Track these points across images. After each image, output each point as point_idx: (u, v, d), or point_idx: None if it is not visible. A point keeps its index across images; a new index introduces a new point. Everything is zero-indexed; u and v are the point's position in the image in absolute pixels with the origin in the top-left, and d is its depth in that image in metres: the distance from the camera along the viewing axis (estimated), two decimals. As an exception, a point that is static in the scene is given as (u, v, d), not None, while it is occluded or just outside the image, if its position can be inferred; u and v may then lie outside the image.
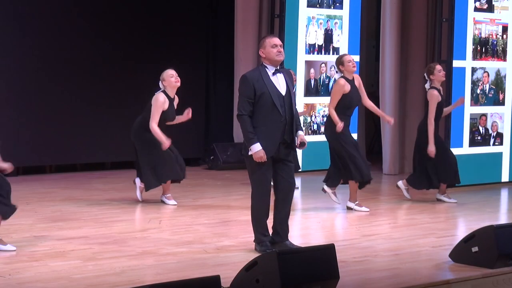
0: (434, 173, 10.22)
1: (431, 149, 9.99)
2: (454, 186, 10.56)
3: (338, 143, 9.46)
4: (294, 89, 7.45)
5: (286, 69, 7.62)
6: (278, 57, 7.26)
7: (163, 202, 9.73)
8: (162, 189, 9.74)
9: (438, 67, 10.19)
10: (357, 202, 9.66)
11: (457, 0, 11.32)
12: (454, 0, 11.29)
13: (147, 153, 9.55)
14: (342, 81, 9.45)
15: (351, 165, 9.44)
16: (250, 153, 7.15)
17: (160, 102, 9.45)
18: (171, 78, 9.56)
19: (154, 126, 9.38)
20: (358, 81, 9.62)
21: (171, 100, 9.56)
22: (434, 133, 10.10)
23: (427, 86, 10.24)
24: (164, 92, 9.55)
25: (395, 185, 10.56)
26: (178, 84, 9.61)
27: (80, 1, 12.22)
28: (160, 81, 9.62)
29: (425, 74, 10.26)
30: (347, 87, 9.43)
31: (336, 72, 9.78)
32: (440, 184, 10.32)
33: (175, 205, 9.65)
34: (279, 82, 7.27)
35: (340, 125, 9.30)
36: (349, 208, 9.62)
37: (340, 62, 9.54)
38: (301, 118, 12.04)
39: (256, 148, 7.13)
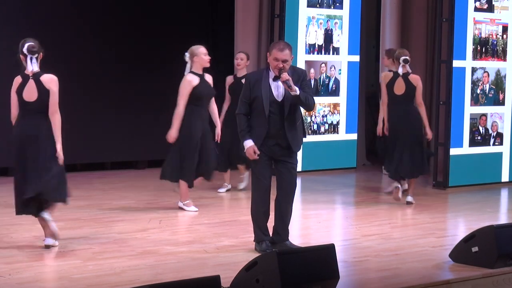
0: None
1: None
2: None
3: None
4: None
5: (300, 68, 7.54)
6: (275, 72, 7.19)
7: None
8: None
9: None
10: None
11: (457, 0, 11.31)
12: (454, 0, 11.28)
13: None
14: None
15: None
16: (244, 150, 7.24)
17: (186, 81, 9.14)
18: (205, 57, 9.22)
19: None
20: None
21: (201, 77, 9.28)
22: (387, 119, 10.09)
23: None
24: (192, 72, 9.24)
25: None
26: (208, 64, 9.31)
27: (84, 4, 12.22)
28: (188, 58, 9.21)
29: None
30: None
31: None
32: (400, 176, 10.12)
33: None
34: (278, 87, 7.25)
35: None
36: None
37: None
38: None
39: (248, 145, 7.21)
